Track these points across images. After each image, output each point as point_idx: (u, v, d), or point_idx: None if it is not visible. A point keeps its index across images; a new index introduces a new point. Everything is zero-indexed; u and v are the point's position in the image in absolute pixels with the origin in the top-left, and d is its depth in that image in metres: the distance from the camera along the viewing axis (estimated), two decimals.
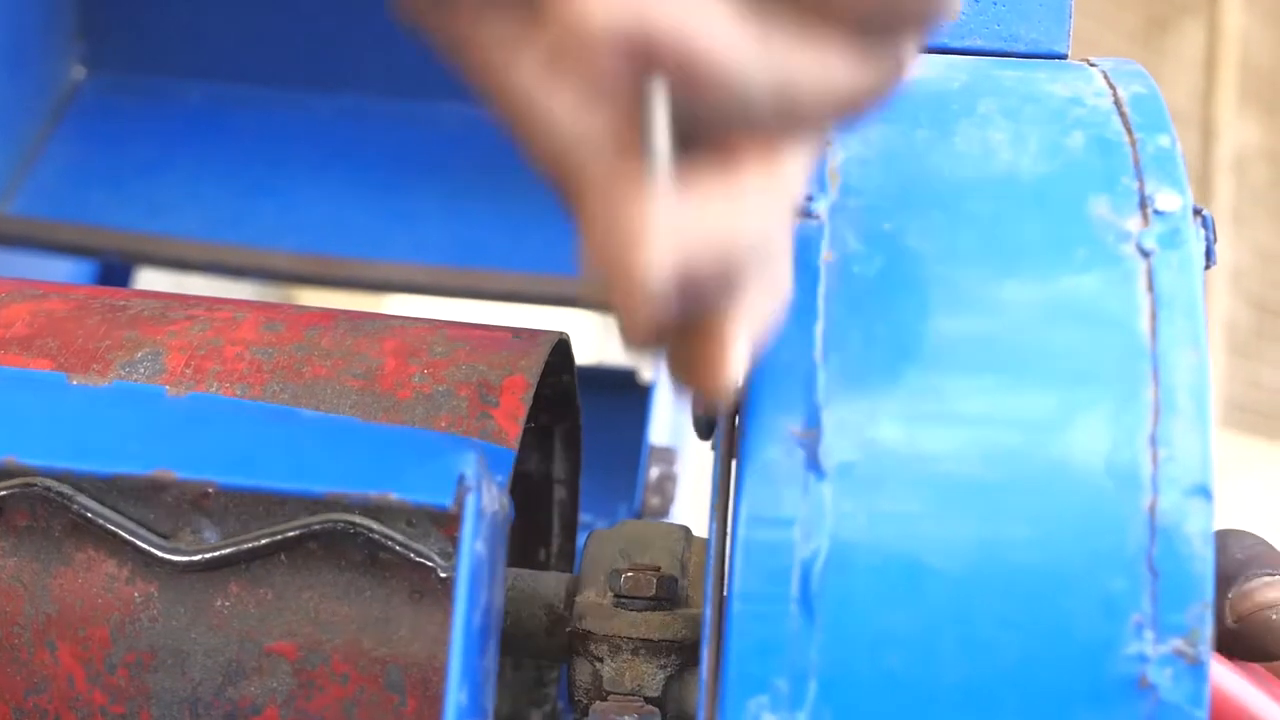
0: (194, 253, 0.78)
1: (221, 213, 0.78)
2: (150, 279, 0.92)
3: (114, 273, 0.90)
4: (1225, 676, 0.37)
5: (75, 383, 0.36)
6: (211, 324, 0.37)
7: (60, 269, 0.88)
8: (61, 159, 0.79)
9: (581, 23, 0.25)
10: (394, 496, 0.32)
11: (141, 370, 0.36)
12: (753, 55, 0.26)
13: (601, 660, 0.37)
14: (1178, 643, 0.29)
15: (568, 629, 0.38)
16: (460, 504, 0.31)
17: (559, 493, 0.46)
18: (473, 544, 0.31)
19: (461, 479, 0.31)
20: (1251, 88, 3.95)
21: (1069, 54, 0.41)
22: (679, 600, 0.38)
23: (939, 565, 0.30)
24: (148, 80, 0.80)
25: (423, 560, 0.33)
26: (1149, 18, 3.77)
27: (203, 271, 0.79)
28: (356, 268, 0.77)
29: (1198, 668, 0.29)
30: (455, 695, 0.30)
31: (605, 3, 0.24)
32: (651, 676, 0.37)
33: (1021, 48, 0.40)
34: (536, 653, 0.39)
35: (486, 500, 0.32)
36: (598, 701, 0.37)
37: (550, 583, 0.39)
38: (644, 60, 0.25)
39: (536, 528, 0.47)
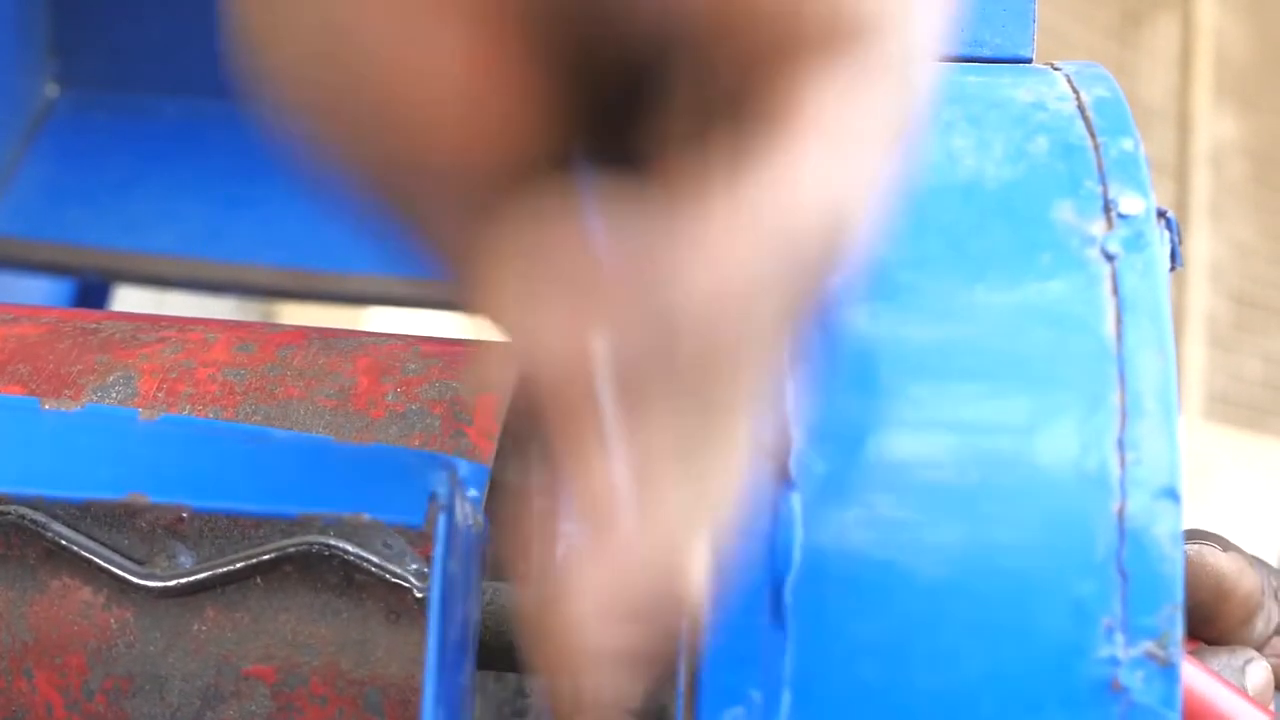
0: (172, 269, 0.78)
1: (199, 229, 0.78)
2: (128, 296, 0.92)
3: (92, 291, 0.90)
4: (1195, 676, 0.37)
5: (48, 408, 0.36)
6: (184, 346, 0.37)
7: (37, 288, 0.87)
8: (36, 178, 0.79)
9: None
10: (366, 517, 0.32)
11: (114, 394, 0.36)
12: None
13: None
14: (1149, 645, 0.30)
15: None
16: (433, 522, 0.31)
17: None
18: (445, 562, 0.31)
19: (433, 497, 0.32)
20: (1227, 82, 3.97)
21: (1033, 58, 0.41)
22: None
23: (910, 573, 0.30)
24: (122, 97, 0.80)
25: (399, 581, 0.33)
26: (1123, 13, 3.78)
27: (181, 288, 0.79)
28: (334, 281, 0.77)
29: (1169, 670, 0.29)
30: (432, 714, 0.30)
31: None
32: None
33: (985, 53, 0.41)
34: (517, 667, 0.39)
35: (460, 518, 0.32)
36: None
37: None
38: None
39: (515, 538, 0.47)
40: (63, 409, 0.36)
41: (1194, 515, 0.44)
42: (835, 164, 0.23)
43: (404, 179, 0.24)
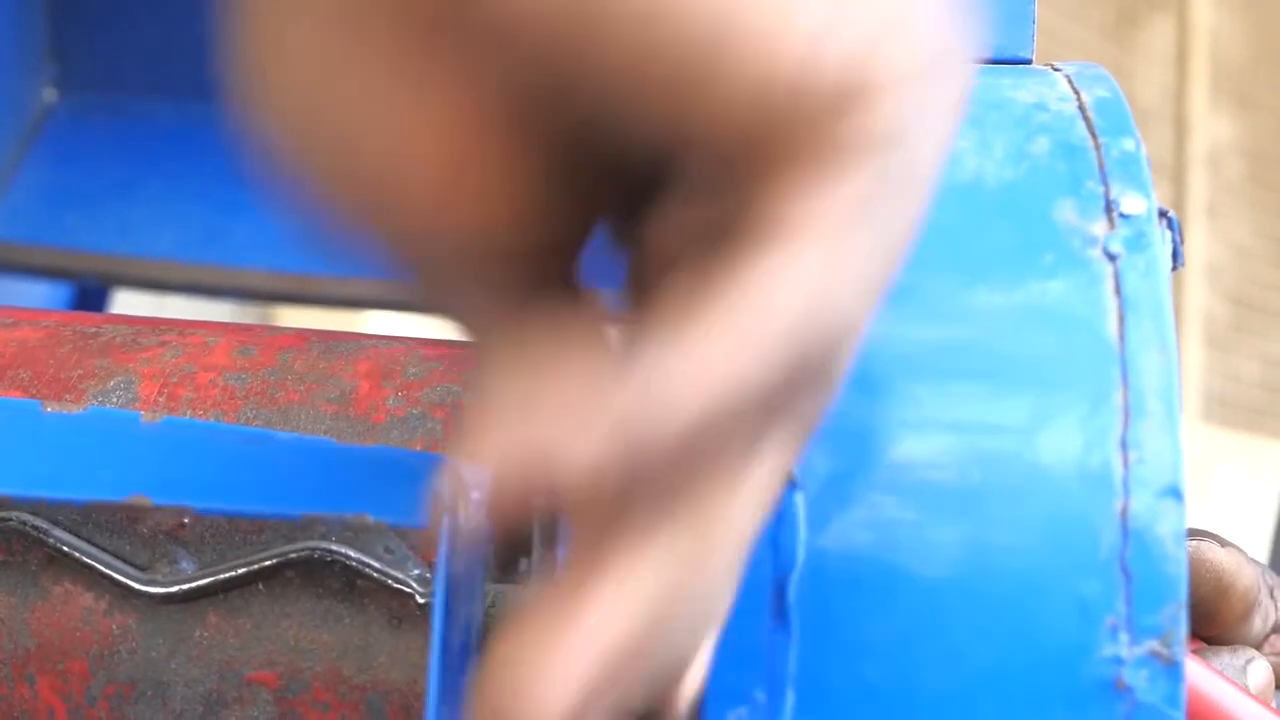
0: (170, 273, 0.78)
1: (197, 233, 0.78)
2: (127, 300, 0.92)
3: (90, 295, 0.90)
4: (1199, 674, 0.37)
5: (49, 410, 0.36)
6: (184, 350, 0.37)
7: (36, 292, 0.87)
8: (34, 182, 0.79)
9: None
10: (370, 518, 0.32)
11: (114, 399, 0.36)
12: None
13: None
14: (1153, 644, 0.30)
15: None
16: (435, 524, 0.31)
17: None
18: (449, 564, 0.31)
19: (436, 498, 0.31)
20: (1223, 82, 3.98)
21: (1033, 59, 0.41)
22: None
23: (914, 573, 0.30)
24: (120, 101, 0.80)
25: (401, 587, 0.33)
26: (1119, 13, 3.78)
27: (179, 292, 0.79)
28: (333, 285, 0.77)
29: (1173, 669, 0.29)
30: (435, 715, 0.30)
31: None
32: None
33: (986, 54, 0.41)
34: None
35: (463, 519, 0.32)
36: None
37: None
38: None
39: (518, 538, 0.47)
40: (64, 411, 0.36)
41: (1191, 516, 0.44)
42: (832, 276, 0.22)
43: (396, 246, 0.24)
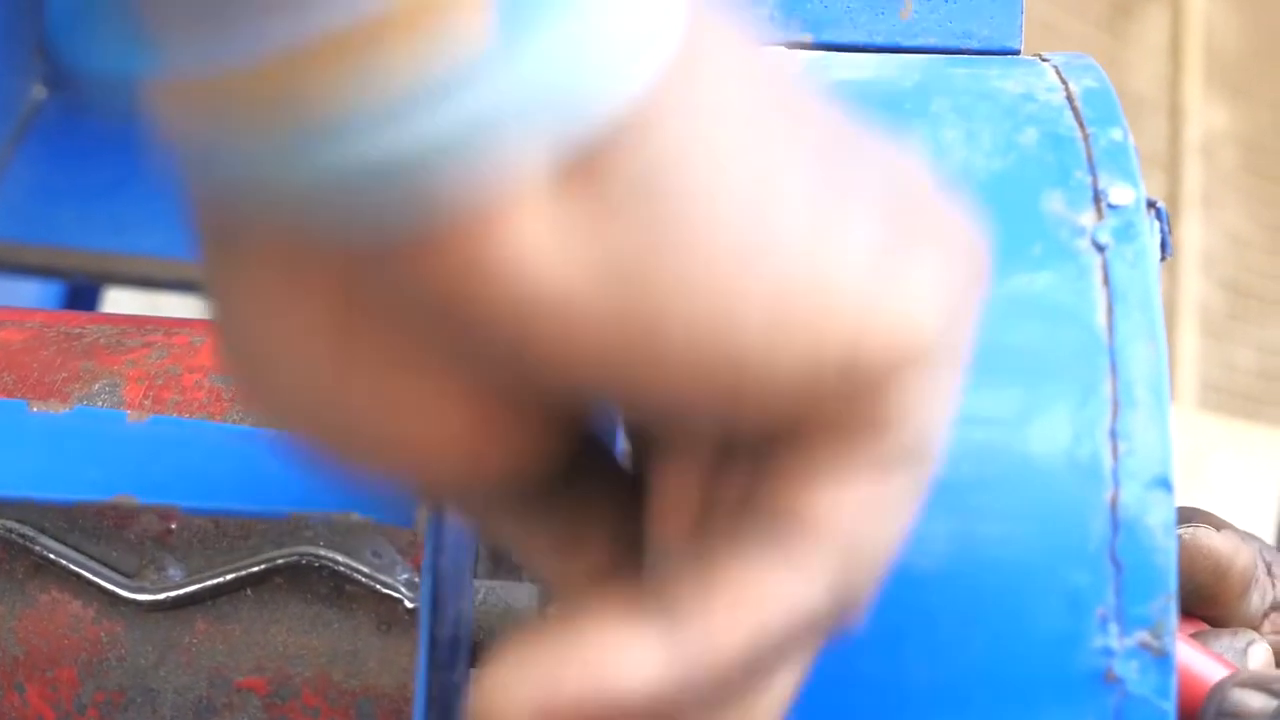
0: (162, 270, 0.77)
1: (188, 229, 0.77)
2: (119, 298, 0.91)
3: (82, 293, 0.90)
4: (1186, 652, 0.37)
5: (35, 410, 0.36)
6: (169, 350, 0.37)
7: (27, 290, 0.87)
8: (25, 180, 0.79)
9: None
10: (356, 516, 0.32)
11: (99, 402, 0.36)
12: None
13: None
14: (1143, 635, 0.29)
15: None
16: (422, 523, 0.31)
17: None
18: (436, 560, 0.31)
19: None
20: (1217, 71, 3.98)
21: (1022, 49, 0.41)
22: None
23: (904, 565, 0.30)
24: (110, 98, 0.80)
25: (389, 592, 0.33)
26: (1114, 4, 3.78)
27: (171, 290, 0.79)
28: None
29: (1164, 659, 0.29)
30: (423, 712, 0.30)
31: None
32: None
33: (974, 45, 0.41)
34: None
35: (449, 517, 0.32)
36: None
37: (522, 595, 0.39)
38: None
39: None
40: (50, 411, 0.36)
41: (1188, 503, 0.44)
42: (846, 561, 0.23)
43: (403, 484, 0.24)
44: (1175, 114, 3.86)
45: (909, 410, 0.23)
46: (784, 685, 0.25)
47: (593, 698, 0.21)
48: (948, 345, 0.23)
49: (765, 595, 0.22)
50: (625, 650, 0.22)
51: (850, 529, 0.23)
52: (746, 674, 0.23)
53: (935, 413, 0.24)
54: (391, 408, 0.22)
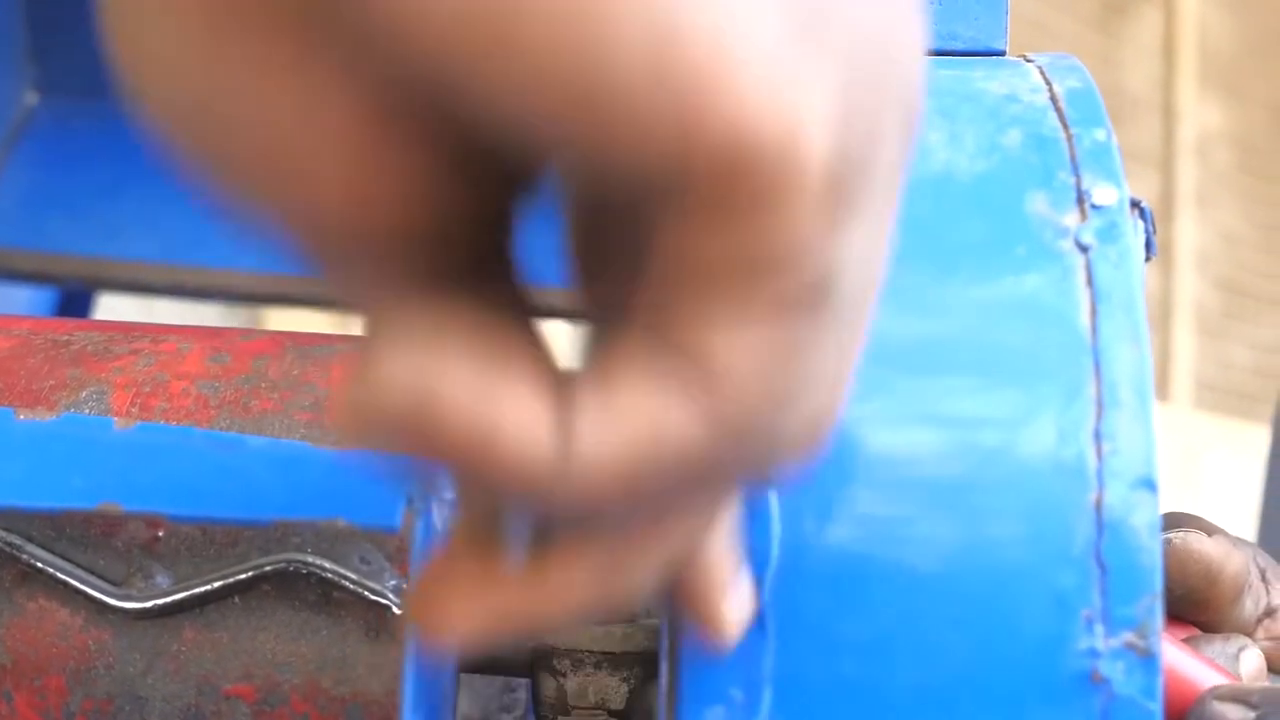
0: (154, 276, 0.77)
1: (181, 235, 0.77)
2: (112, 304, 0.91)
3: (74, 299, 0.90)
4: (1177, 656, 0.37)
5: (22, 418, 0.36)
6: (156, 358, 0.37)
7: (19, 296, 0.87)
8: (17, 186, 0.79)
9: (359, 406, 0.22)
10: (342, 522, 0.32)
11: (86, 410, 0.36)
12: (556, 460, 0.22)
13: (565, 675, 0.37)
14: (1129, 636, 0.29)
15: (530, 645, 0.38)
16: (409, 526, 0.31)
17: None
18: (422, 565, 0.31)
19: (409, 501, 0.31)
20: (1211, 71, 3.98)
21: (1006, 50, 0.41)
22: (641, 611, 0.38)
23: (889, 568, 0.30)
24: (102, 103, 0.80)
25: (377, 598, 0.33)
26: (1105, 2, 3.79)
27: (164, 295, 0.79)
28: (319, 285, 0.77)
29: (1149, 660, 0.29)
30: (410, 716, 0.30)
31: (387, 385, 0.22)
32: (615, 690, 0.37)
33: (959, 45, 0.41)
34: (499, 669, 0.39)
35: (437, 521, 0.32)
36: (561, 717, 0.37)
37: None
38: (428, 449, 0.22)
39: None
40: (37, 418, 0.36)
41: (1183, 503, 0.43)
42: (741, 402, 0.22)
43: (294, 231, 0.24)
44: (1169, 113, 3.86)
45: (806, 244, 0.21)
46: (687, 535, 0.24)
47: (467, 429, 0.21)
48: (852, 174, 0.21)
49: (639, 421, 0.22)
50: (514, 408, 0.21)
51: (745, 370, 0.22)
52: (629, 498, 0.22)
53: (850, 252, 0.22)
54: (266, 107, 0.21)
